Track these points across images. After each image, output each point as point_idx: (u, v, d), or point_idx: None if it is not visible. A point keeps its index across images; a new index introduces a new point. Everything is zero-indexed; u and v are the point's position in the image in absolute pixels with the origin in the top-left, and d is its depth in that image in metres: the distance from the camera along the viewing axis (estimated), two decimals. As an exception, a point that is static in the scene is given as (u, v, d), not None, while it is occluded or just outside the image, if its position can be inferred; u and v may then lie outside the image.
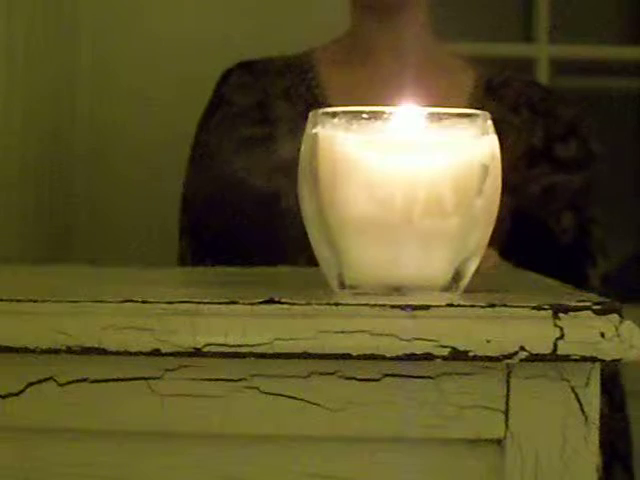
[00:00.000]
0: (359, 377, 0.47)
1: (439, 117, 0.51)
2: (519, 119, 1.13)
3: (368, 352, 0.45)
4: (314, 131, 0.52)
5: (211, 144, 1.13)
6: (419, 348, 0.45)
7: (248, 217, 1.11)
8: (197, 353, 0.46)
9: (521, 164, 1.10)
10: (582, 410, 0.47)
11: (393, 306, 0.46)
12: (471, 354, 0.45)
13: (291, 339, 0.46)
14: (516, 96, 1.15)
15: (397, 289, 0.50)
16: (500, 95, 1.15)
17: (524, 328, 0.45)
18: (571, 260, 1.09)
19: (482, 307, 0.46)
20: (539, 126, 1.13)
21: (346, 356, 0.45)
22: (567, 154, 1.12)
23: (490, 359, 0.45)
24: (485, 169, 0.51)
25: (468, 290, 0.52)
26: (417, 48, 1.15)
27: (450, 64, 1.19)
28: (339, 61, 1.18)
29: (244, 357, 0.46)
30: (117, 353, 0.46)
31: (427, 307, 0.46)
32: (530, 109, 1.14)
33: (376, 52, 1.15)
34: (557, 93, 1.20)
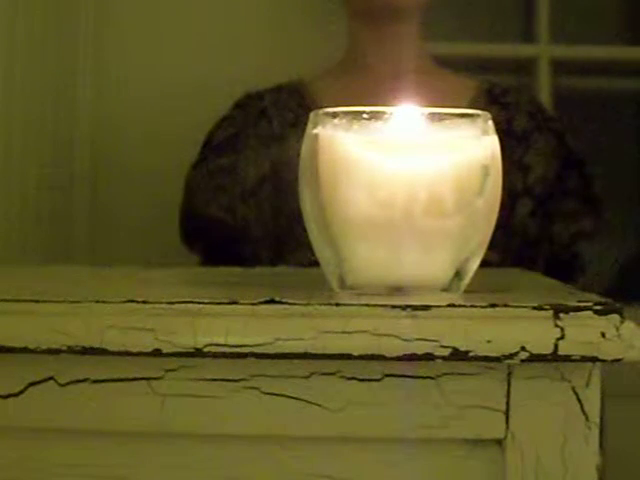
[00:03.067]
0: (360, 377, 0.47)
1: (440, 117, 0.51)
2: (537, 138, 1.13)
3: (369, 352, 0.45)
4: (315, 131, 0.52)
5: (189, 182, 1.15)
6: (420, 348, 0.45)
7: (215, 249, 1.13)
8: (198, 353, 0.46)
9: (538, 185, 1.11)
10: (583, 410, 0.47)
11: (394, 306, 0.46)
12: (472, 354, 0.45)
13: (292, 339, 0.46)
14: (520, 110, 1.15)
15: (398, 289, 0.50)
16: (502, 105, 1.15)
17: (525, 328, 0.45)
18: (555, 271, 1.10)
19: (483, 307, 0.46)
20: (554, 151, 1.13)
21: (347, 356, 0.45)
22: (574, 186, 1.13)
23: (491, 359, 0.45)
24: (486, 169, 0.51)
25: (469, 290, 0.52)
26: (414, 61, 1.15)
27: (447, 77, 1.19)
28: (334, 75, 1.19)
29: (245, 357, 0.46)
30: (118, 353, 0.46)
31: (428, 307, 0.46)
32: (539, 129, 1.14)
33: (372, 65, 1.15)
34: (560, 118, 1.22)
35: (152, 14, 1.50)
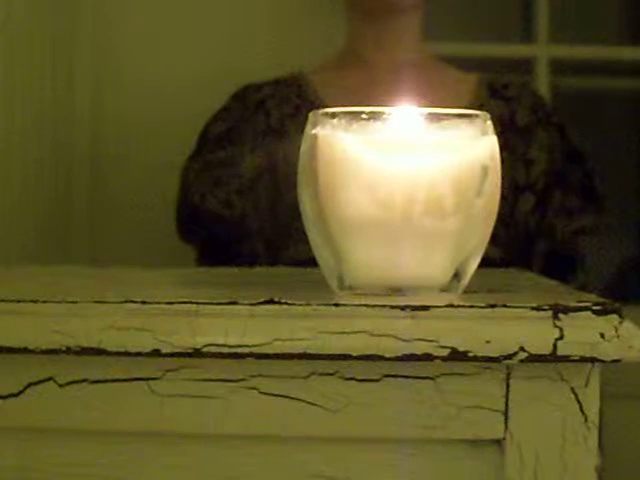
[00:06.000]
0: (359, 377, 0.47)
1: (439, 117, 0.51)
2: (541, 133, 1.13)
3: (368, 352, 0.45)
4: (314, 132, 0.51)
5: (185, 175, 1.14)
6: (419, 348, 0.45)
7: (211, 240, 1.13)
8: (197, 353, 0.46)
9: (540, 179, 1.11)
10: (581, 410, 0.47)
11: (393, 306, 0.46)
12: (471, 354, 0.45)
13: (291, 339, 0.46)
14: (521, 104, 1.15)
15: (397, 289, 0.50)
16: (503, 99, 1.15)
17: (524, 328, 0.45)
18: (555, 266, 1.09)
19: (482, 307, 0.46)
20: (556, 146, 1.13)
21: (346, 356, 0.45)
22: (576, 181, 1.13)
23: (490, 360, 0.45)
24: (485, 169, 0.51)
25: (468, 290, 0.52)
26: (413, 54, 1.15)
27: (448, 72, 1.19)
28: (334, 68, 1.18)
29: (244, 357, 0.46)
30: (117, 354, 0.46)
31: (427, 307, 0.46)
32: (540, 123, 1.14)
33: (371, 58, 1.15)
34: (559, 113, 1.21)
35: (151, 7, 1.50)
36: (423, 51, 1.18)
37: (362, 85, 1.11)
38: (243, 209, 1.09)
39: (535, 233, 1.11)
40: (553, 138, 1.14)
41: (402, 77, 1.08)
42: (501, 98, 1.15)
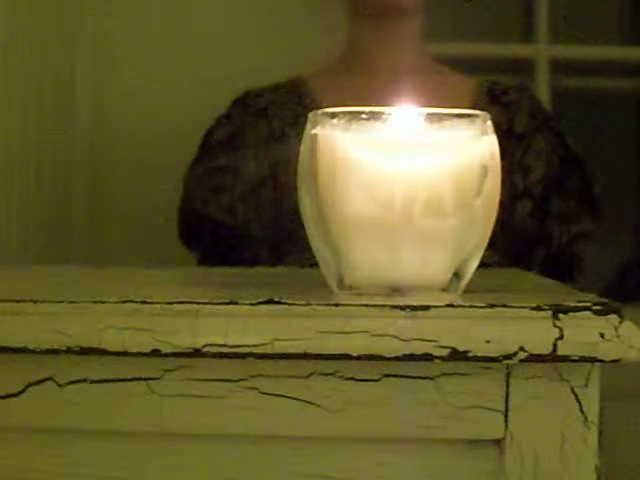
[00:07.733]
0: (359, 377, 0.47)
1: (439, 117, 0.51)
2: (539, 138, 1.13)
3: (368, 352, 0.45)
4: (313, 131, 0.51)
5: (187, 182, 1.14)
6: (418, 348, 0.45)
7: (213, 247, 1.13)
8: (197, 353, 0.46)
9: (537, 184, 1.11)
10: (581, 410, 0.47)
11: (393, 306, 0.46)
12: (470, 354, 0.45)
13: (291, 339, 0.46)
14: (520, 110, 1.15)
15: (397, 289, 0.50)
16: (503, 105, 1.15)
17: (524, 328, 0.45)
18: (552, 272, 1.09)
19: (481, 307, 0.46)
20: (554, 152, 1.13)
21: (346, 356, 0.45)
22: (574, 189, 1.13)
23: (490, 359, 0.46)
24: (484, 169, 0.51)
25: (468, 290, 0.52)
26: (414, 59, 1.15)
27: (448, 76, 1.19)
28: (333, 73, 1.18)
29: (244, 357, 0.46)
30: (117, 353, 0.46)
31: (426, 307, 0.46)
32: (539, 129, 1.14)
33: (372, 62, 1.15)
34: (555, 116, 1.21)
35: (151, 10, 1.50)
36: (423, 54, 1.18)
37: (362, 91, 1.11)
38: (245, 216, 1.10)
39: (533, 239, 1.11)
40: (551, 144, 1.14)
41: (401, 82, 1.08)
42: (500, 104, 1.15)
